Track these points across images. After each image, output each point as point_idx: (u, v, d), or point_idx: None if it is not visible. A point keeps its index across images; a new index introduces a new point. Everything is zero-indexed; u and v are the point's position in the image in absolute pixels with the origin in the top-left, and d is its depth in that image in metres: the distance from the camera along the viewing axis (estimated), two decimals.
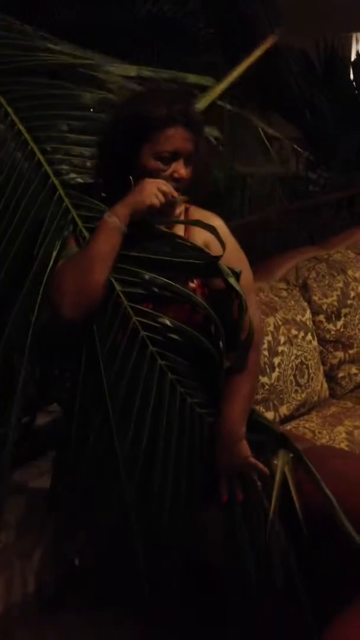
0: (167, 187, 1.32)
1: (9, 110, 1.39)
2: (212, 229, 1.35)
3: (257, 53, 1.80)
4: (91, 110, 1.44)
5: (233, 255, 1.40)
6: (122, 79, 1.54)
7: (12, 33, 1.49)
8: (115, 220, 1.30)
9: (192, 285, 1.40)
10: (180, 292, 1.36)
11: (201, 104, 1.61)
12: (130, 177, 1.33)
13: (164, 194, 1.31)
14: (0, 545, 1.78)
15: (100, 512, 1.40)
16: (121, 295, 1.36)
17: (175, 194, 1.33)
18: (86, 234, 1.39)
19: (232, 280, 1.33)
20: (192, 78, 1.70)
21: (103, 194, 1.43)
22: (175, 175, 1.35)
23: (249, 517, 1.42)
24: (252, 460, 1.40)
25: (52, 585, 1.89)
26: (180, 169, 1.35)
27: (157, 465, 1.37)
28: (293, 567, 1.43)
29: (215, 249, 1.36)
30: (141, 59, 1.69)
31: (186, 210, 1.45)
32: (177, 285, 1.36)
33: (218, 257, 1.33)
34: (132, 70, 1.58)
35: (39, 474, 1.93)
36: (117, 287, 1.36)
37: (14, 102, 1.41)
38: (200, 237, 1.39)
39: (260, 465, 1.41)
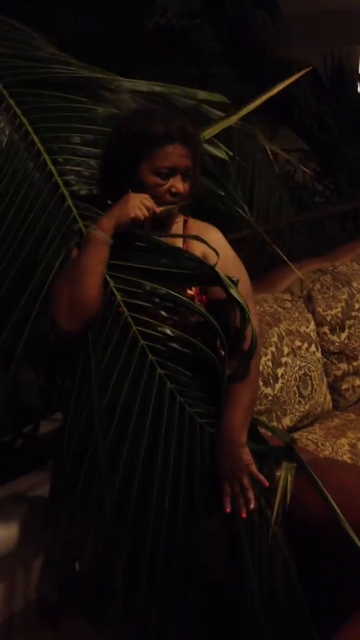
0: (149, 202, 1.37)
1: (24, 120, 1.42)
2: (205, 241, 1.39)
3: (286, 83, 1.81)
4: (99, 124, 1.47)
5: (230, 265, 1.44)
6: (132, 94, 1.57)
7: (27, 45, 1.52)
8: (100, 233, 1.35)
9: (190, 292, 1.43)
10: (181, 302, 1.39)
11: (217, 128, 1.63)
12: (129, 191, 1.38)
13: (147, 208, 1.36)
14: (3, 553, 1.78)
15: (96, 521, 1.40)
16: (122, 304, 1.39)
17: (157, 209, 1.38)
18: None
19: (232, 290, 1.36)
20: (202, 94, 1.71)
21: (109, 202, 1.46)
22: (173, 190, 1.39)
23: (250, 527, 1.42)
24: (253, 468, 1.41)
25: (53, 592, 1.89)
26: (178, 184, 1.40)
27: (156, 475, 1.38)
28: (294, 578, 1.42)
29: (213, 260, 1.40)
30: (149, 72, 1.71)
31: (185, 222, 1.50)
32: (178, 295, 1.39)
33: (214, 266, 1.37)
34: (143, 86, 1.60)
35: (41, 482, 1.93)
36: (118, 296, 1.39)
37: (28, 113, 1.44)
38: (198, 248, 1.43)
39: (260, 477, 1.41)
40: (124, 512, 1.38)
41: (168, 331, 1.38)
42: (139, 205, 1.35)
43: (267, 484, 1.41)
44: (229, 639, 1.60)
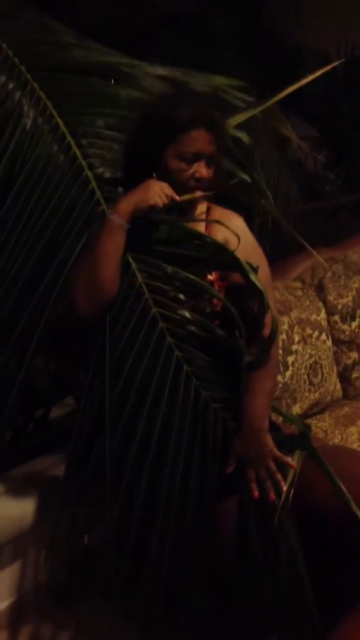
0: (169, 190, 1.36)
1: (48, 104, 1.42)
2: (226, 225, 1.40)
3: (315, 74, 1.80)
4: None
5: (251, 252, 1.44)
6: (155, 79, 1.57)
7: (49, 31, 1.53)
8: (117, 218, 1.35)
9: (210, 277, 1.44)
10: (201, 287, 1.40)
11: (244, 116, 1.63)
12: (154, 175, 1.37)
13: (167, 196, 1.35)
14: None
15: (107, 500, 1.42)
16: (143, 286, 1.40)
17: (177, 198, 1.37)
18: None
19: (252, 276, 1.36)
20: (222, 80, 1.72)
21: (120, 189, 1.46)
22: (197, 175, 1.39)
23: (264, 512, 1.44)
24: (277, 452, 1.43)
25: (62, 572, 1.92)
26: (202, 170, 1.39)
27: (168, 456, 1.39)
28: (300, 564, 1.44)
29: (234, 246, 1.40)
30: (159, 59, 1.71)
31: (208, 209, 1.50)
32: (198, 280, 1.39)
33: (234, 252, 1.37)
34: (164, 71, 1.61)
35: (54, 464, 1.95)
36: (140, 278, 1.40)
37: (52, 97, 1.44)
38: (220, 234, 1.43)
39: (285, 459, 1.43)
40: (136, 492, 1.39)
41: (187, 314, 1.39)
42: (159, 192, 1.34)
43: (294, 465, 1.44)
44: (235, 621, 1.62)
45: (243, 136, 1.62)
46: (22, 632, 1.82)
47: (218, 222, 1.42)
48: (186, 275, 1.39)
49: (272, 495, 1.42)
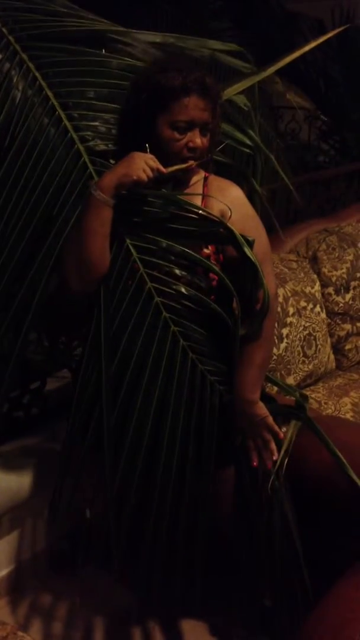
0: (154, 162, 1.31)
1: (38, 75, 1.39)
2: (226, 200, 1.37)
3: (313, 44, 1.76)
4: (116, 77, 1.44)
5: (249, 224, 1.41)
6: (148, 45, 1.53)
7: None
8: (101, 194, 1.30)
9: (206, 251, 1.41)
10: (197, 260, 1.38)
11: (244, 84, 1.59)
12: (147, 145, 1.34)
13: (152, 169, 1.31)
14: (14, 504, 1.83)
15: (107, 474, 1.43)
16: (137, 261, 1.38)
17: (163, 170, 1.32)
18: None
19: (246, 249, 1.34)
20: (217, 44, 1.67)
21: (112, 161, 1.44)
22: (191, 144, 1.35)
23: (259, 480, 1.46)
24: (270, 420, 1.45)
25: (62, 541, 1.95)
26: (196, 139, 1.35)
27: (166, 429, 1.41)
28: (293, 530, 1.47)
29: (231, 218, 1.37)
30: (150, 28, 1.67)
31: (205, 179, 1.46)
32: (194, 253, 1.38)
33: (229, 225, 1.34)
34: (156, 37, 1.56)
35: (50, 436, 1.97)
36: (134, 253, 1.38)
37: (42, 68, 1.40)
38: (217, 205, 1.40)
39: (276, 428, 1.45)
40: (134, 465, 1.41)
41: (183, 289, 1.39)
42: (143, 166, 1.29)
43: (282, 435, 1.45)
44: (230, 589, 1.66)
45: (241, 100, 1.59)
46: (22, 600, 1.86)
47: (212, 197, 1.39)
48: (181, 250, 1.37)
49: (269, 463, 1.44)
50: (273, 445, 1.44)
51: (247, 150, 1.64)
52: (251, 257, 1.34)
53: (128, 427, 1.41)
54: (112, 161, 1.42)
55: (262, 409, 1.44)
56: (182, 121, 1.33)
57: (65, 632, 1.76)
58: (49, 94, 1.39)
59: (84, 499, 1.49)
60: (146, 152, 1.34)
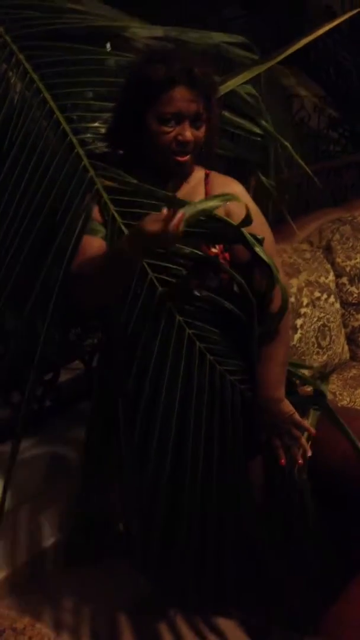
0: (170, 226, 1.15)
1: (35, 77, 1.35)
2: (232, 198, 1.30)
3: (322, 30, 1.72)
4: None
5: (254, 221, 1.35)
6: (149, 40, 1.49)
7: None
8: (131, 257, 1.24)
9: (214, 250, 1.39)
10: (207, 261, 1.35)
11: (250, 73, 1.56)
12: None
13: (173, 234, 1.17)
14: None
15: (130, 477, 1.43)
16: (146, 266, 1.35)
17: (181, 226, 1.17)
18: (110, 205, 1.37)
19: (259, 249, 1.31)
20: (220, 36, 1.64)
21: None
22: (180, 138, 1.28)
23: (287, 477, 1.44)
24: (297, 417, 1.41)
25: (74, 538, 1.94)
26: (185, 132, 1.28)
27: (189, 432, 1.38)
28: (316, 523, 1.46)
29: (237, 216, 1.33)
30: (162, 18, 1.63)
31: (206, 176, 1.43)
32: (204, 255, 1.35)
33: (240, 226, 1.30)
34: (158, 31, 1.52)
35: (63, 427, 1.97)
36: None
37: (39, 68, 1.37)
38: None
39: (305, 424, 1.42)
40: (161, 467, 1.40)
41: (194, 291, 1.36)
42: (169, 239, 1.17)
43: (313, 431, 1.42)
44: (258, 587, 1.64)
45: (249, 90, 1.56)
46: (38, 592, 1.85)
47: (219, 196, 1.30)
48: (190, 251, 1.34)
49: (301, 461, 1.41)
50: (304, 442, 1.40)
51: (259, 139, 1.62)
52: (264, 256, 1.31)
53: (152, 432, 1.39)
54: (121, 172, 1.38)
55: (287, 406, 1.41)
56: (169, 113, 1.27)
57: (80, 625, 1.75)
58: (47, 96, 1.36)
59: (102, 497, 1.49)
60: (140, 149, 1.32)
